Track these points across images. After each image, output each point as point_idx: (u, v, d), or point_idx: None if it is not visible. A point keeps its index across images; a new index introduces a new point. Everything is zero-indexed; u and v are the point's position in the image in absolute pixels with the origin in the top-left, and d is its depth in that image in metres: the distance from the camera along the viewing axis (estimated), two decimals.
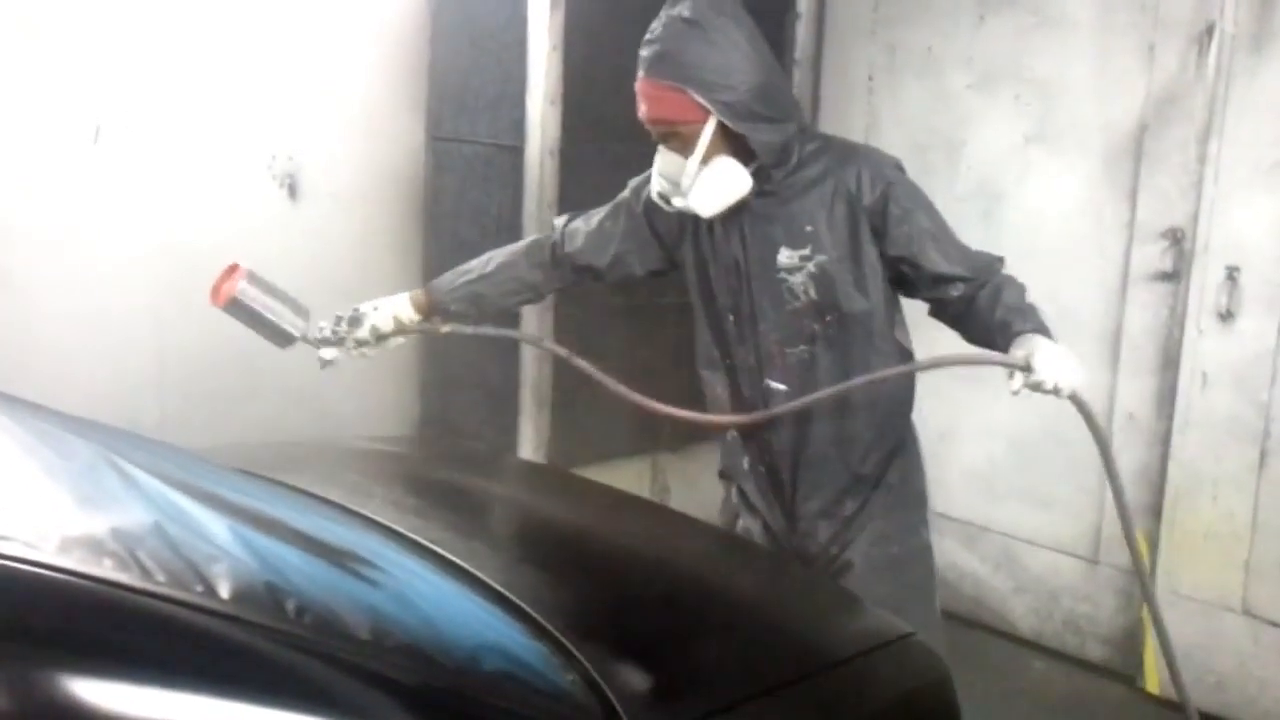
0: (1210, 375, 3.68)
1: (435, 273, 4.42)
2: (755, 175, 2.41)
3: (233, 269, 2.66)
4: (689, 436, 4.54)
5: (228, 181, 3.87)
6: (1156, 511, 3.86)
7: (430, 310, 2.76)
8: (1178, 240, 3.74)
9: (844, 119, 4.59)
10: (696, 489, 4.64)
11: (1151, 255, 3.81)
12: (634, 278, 2.74)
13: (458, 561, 1.88)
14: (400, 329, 2.74)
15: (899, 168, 2.50)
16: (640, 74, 2.41)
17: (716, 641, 1.91)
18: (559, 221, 2.79)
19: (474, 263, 2.81)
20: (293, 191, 4.02)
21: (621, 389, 2.63)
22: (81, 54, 3.50)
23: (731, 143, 2.38)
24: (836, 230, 2.43)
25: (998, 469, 4.25)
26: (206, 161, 3.81)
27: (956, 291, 2.44)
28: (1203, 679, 3.79)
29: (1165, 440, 3.81)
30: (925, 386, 2.75)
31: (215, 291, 2.65)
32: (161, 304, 3.77)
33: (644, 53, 2.39)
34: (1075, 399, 2.32)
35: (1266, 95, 3.52)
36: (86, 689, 1.25)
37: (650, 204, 2.58)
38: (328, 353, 2.71)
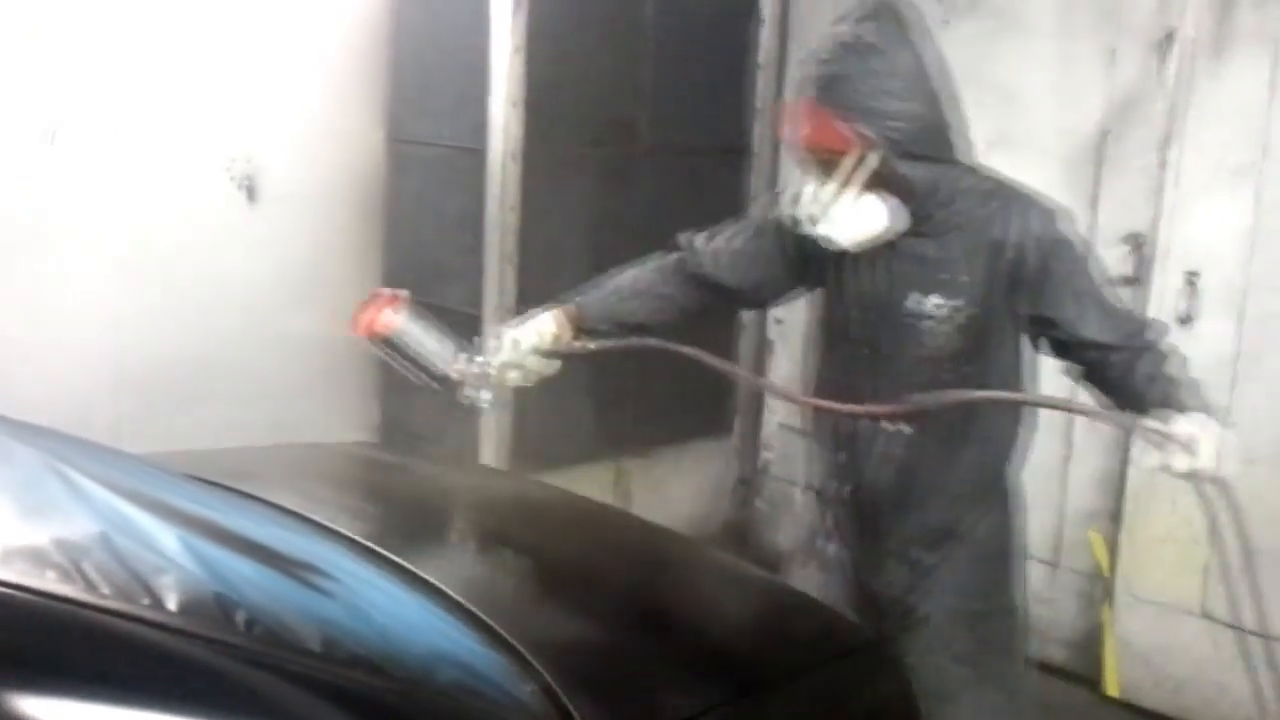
0: None
1: (394, 276, 4.39)
2: (912, 210, 2.28)
3: (382, 295, 2.39)
4: (652, 441, 4.53)
5: (185, 183, 3.83)
6: (1116, 516, 3.87)
7: (579, 327, 2.52)
8: (1138, 245, 3.76)
9: None
10: (660, 493, 4.62)
11: (1112, 260, 3.81)
12: (771, 301, 2.67)
13: (414, 570, 1.85)
14: (552, 345, 2.46)
15: (1060, 220, 2.35)
16: (805, 93, 2.26)
17: (678, 651, 1.89)
18: (698, 241, 2.58)
19: (609, 282, 2.61)
20: (251, 194, 3.97)
21: (769, 384, 2.51)
22: (38, 54, 3.45)
23: (886, 176, 2.23)
24: (978, 280, 2.30)
25: None
26: (164, 163, 3.76)
27: (1110, 358, 2.31)
28: (1161, 682, 3.81)
29: (1125, 445, 3.83)
30: None
31: (363, 322, 2.38)
32: (117, 307, 3.72)
33: (813, 73, 2.24)
34: (1223, 484, 2.14)
35: (1227, 101, 3.54)
36: (29, 706, 1.21)
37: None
38: (485, 394, 2.42)
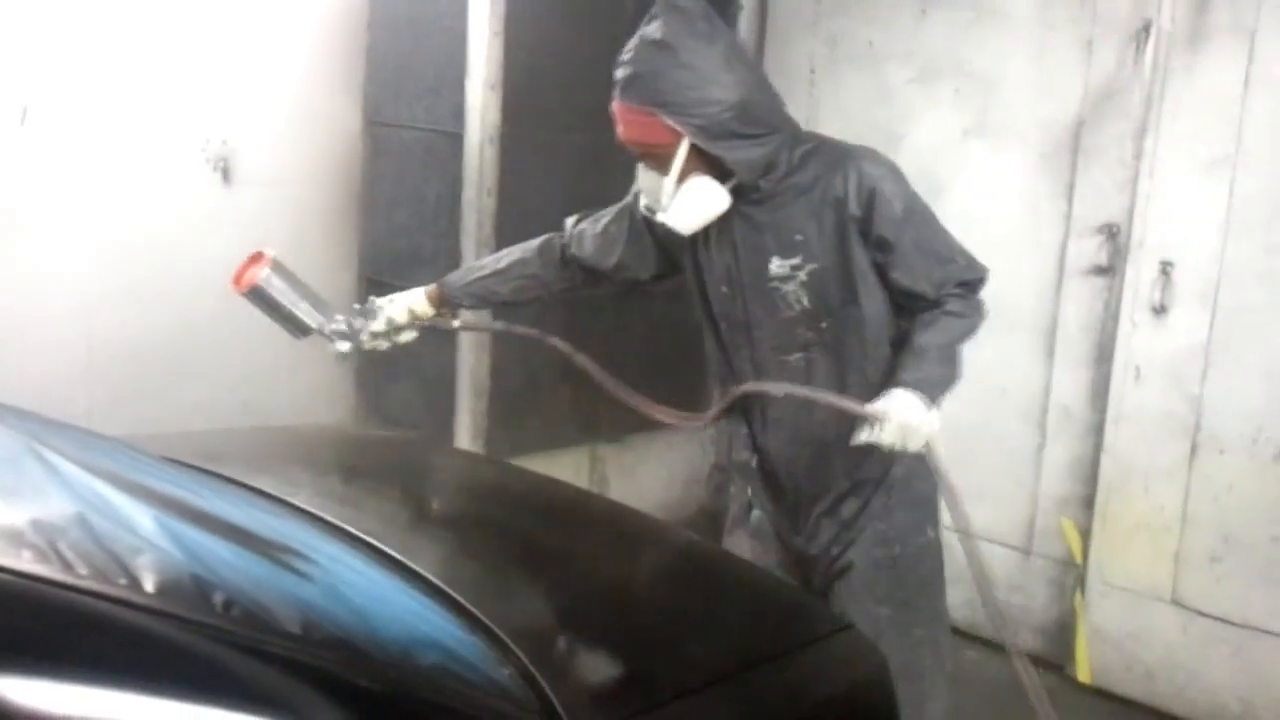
0: (1143, 369, 3.73)
1: (371, 258, 4.39)
2: (740, 187, 2.41)
3: (257, 256, 2.66)
4: (628, 426, 4.52)
5: (160, 165, 3.80)
6: (1089, 503, 3.90)
7: (442, 304, 2.78)
8: (1113, 235, 3.78)
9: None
10: (635, 479, 4.63)
11: (1087, 249, 3.85)
12: (640, 281, 2.74)
13: (392, 554, 1.85)
14: (413, 321, 2.77)
15: (892, 170, 2.46)
16: (615, 95, 2.38)
17: (654, 635, 1.89)
18: (569, 222, 2.77)
19: (487, 259, 2.85)
20: (226, 176, 3.95)
21: (615, 387, 2.69)
22: (8, 34, 3.41)
23: (709, 160, 2.36)
24: (826, 237, 2.42)
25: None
26: (138, 145, 3.74)
27: (916, 308, 2.47)
28: (1133, 669, 3.85)
29: (1098, 432, 3.86)
30: None
31: (237, 278, 2.66)
32: (91, 291, 3.70)
33: (617, 74, 2.37)
34: (928, 451, 2.34)
35: (1202, 92, 3.56)
36: (4, 686, 1.20)
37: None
38: (342, 345, 2.72)
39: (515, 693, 1.55)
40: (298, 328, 2.70)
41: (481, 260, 2.86)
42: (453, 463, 2.75)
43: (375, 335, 2.74)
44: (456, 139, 3.99)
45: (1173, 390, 3.68)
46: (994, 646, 4.07)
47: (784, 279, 2.46)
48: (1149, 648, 3.81)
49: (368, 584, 1.72)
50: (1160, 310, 3.67)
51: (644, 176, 2.46)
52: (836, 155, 2.44)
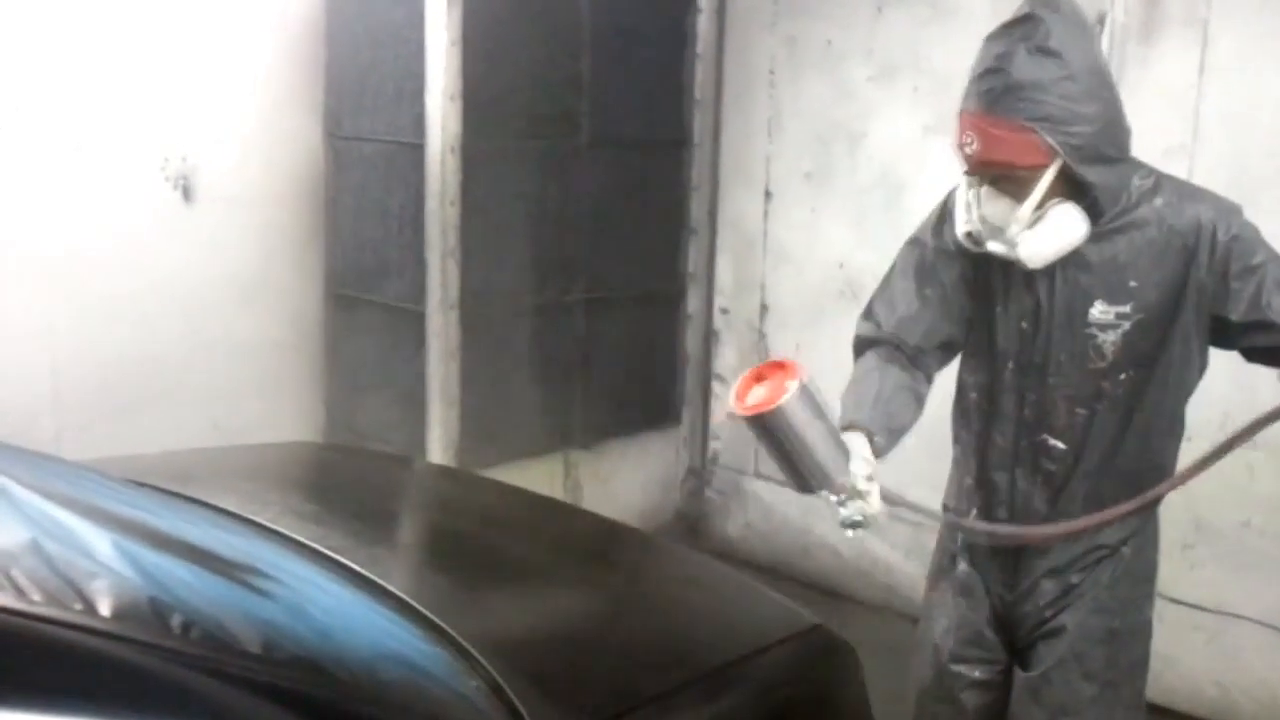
0: None
1: (337, 272, 4.36)
2: (1100, 217, 2.13)
3: (781, 366, 1.95)
4: (600, 433, 4.53)
5: (119, 184, 3.78)
6: None
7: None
8: None
9: (746, 112, 4.61)
10: (609, 486, 4.63)
11: None
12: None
13: (358, 569, 1.84)
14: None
15: (1240, 214, 2.19)
16: (974, 108, 2.09)
17: (623, 641, 1.89)
18: (882, 322, 2.33)
19: (867, 393, 2.23)
20: (187, 194, 3.93)
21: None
22: None
23: (1069, 184, 2.09)
24: (1163, 287, 2.14)
25: (906, 455, 4.27)
26: (96, 164, 3.71)
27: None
28: None
29: None
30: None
31: (750, 396, 1.94)
32: (53, 313, 3.67)
33: (984, 85, 2.08)
34: None
35: (1157, 83, 3.58)
36: None
37: (955, 245, 2.26)
38: (853, 514, 2.03)
39: (482, 705, 1.54)
40: (804, 480, 1.97)
41: (860, 394, 2.23)
42: (420, 477, 2.73)
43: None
44: (418, 150, 3.98)
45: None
46: None
47: (1104, 326, 2.17)
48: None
49: (333, 601, 1.71)
50: None
51: (990, 203, 2.14)
52: (1183, 193, 2.18)
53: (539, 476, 4.24)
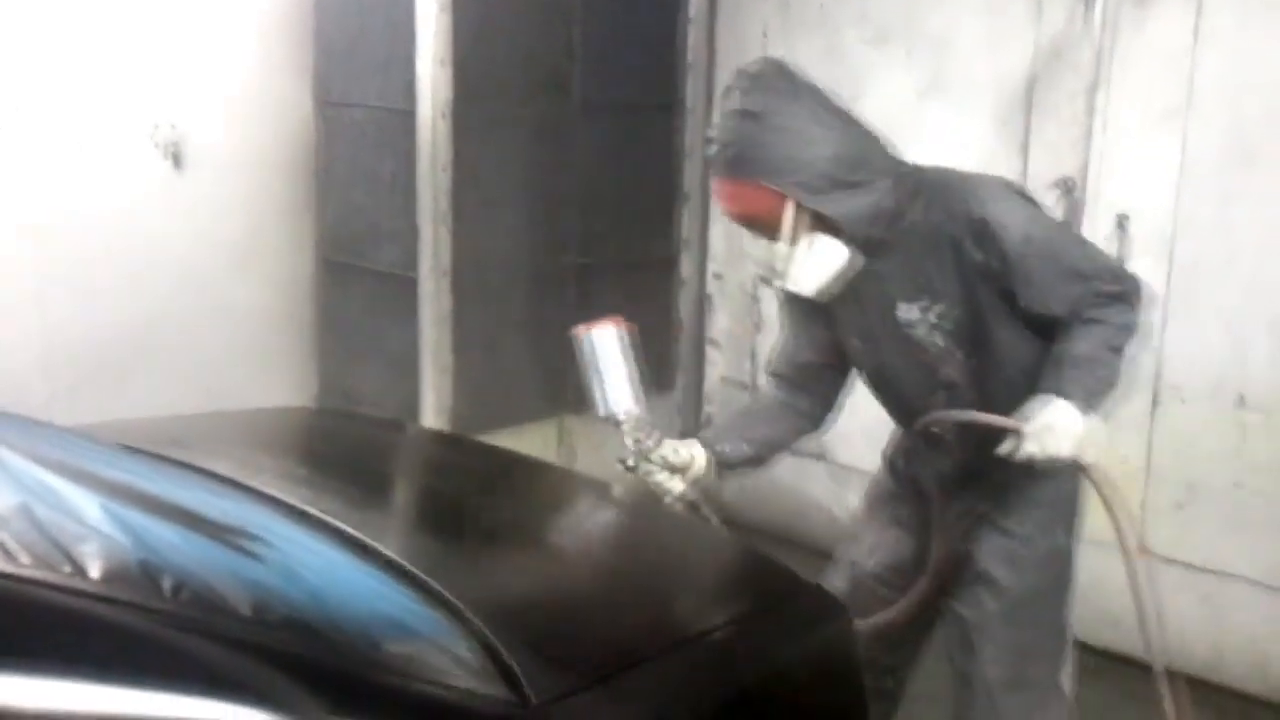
0: None
1: (329, 239, 4.35)
2: (866, 241, 2.32)
3: (618, 321, 2.50)
4: None
5: (109, 151, 3.76)
6: None
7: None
8: (1069, 190, 3.79)
9: None
10: (603, 451, 4.60)
11: (1044, 205, 3.85)
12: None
13: (351, 532, 1.84)
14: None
15: (1006, 195, 2.37)
16: (714, 173, 2.36)
17: (617, 601, 1.89)
18: (775, 372, 2.69)
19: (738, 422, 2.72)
20: (177, 161, 3.91)
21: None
22: None
23: (820, 219, 2.29)
24: (949, 276, 2.33)
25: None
26: (86, 130, 3.69)
27: (1056, 330, 2.33)
28: (1102, 617, 3.87)
29: None
30: None
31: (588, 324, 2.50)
32: (44, 280, 3.66)
33: (710, 152, 2.34)
34: (1086, 468, 2.29)
35: (1152, 47, 3.57)
36: None
37: None
38: (628, 457, 2.44)
39: (476, 665, 1.54)
40: (594, 401, 2.47)
41: (734, 422, 2.72)
42: (413, 441, 2.73)
43: (663, 463, 2.46)
44: (409, 116, 3.95)
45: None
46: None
47: (913, 323, 2.39)
48: (1118, 596, 3.82)
49: (324, 563, 1.71)
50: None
51: (753, 246, 2.40)
52: (946, 189, 2.35)
53: (533, 441, 4.24)
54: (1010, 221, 2.28)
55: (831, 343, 2.57)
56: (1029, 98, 3.85)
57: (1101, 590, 3.82)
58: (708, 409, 4.90)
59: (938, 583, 2.53)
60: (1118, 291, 2.31)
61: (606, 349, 2.43)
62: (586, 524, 2.26)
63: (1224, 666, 3.65)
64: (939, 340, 2.38)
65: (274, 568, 1.57)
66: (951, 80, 4.03)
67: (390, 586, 1.69)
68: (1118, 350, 2.28)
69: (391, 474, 2.59)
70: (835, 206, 2.27)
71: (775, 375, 2.68)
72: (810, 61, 4.36)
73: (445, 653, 1.54)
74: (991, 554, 2.48)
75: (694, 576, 2.06)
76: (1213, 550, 3.64)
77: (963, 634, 2.51)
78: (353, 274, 4.27)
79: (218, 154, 3.99)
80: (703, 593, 1.98)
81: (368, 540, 1.82)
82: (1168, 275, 3.61)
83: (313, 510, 1.91)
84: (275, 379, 4.24)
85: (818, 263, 2.32)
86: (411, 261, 4.03)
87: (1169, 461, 3.69)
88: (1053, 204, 3.82)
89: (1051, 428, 2.19)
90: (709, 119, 4.70)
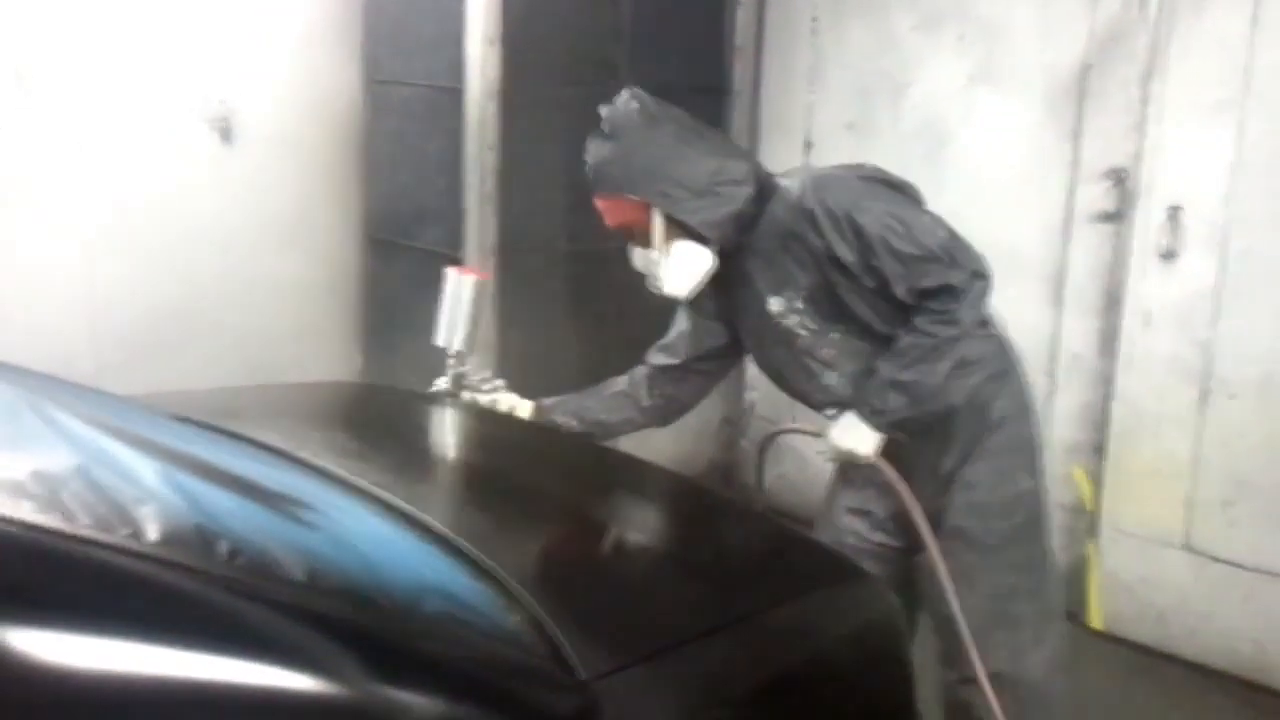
0: (1153, 315, 3.71)
1: (375, 217, 4.36)
2: (733, 245, 2.58)
3: (485, 275, 2.87)
4: None
5: (159, 126, 3.79)
6: (1100, 450, 3.89)
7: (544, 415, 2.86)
8: (1121, 180, 3.75)
9: (787, 61, 4.56)
10: (645, 433, 4.57)
11: (1095, 195, 3.82)
12: (728, 356, 2.88)
13: (400, 505, 1.84)
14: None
15: (843, 185, 2.55)
16: (592, 190, 2.61)
17: (663, 581, 1.89)
18: (662, 352, 2.87)
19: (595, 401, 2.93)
20: (226, 135, 3.93)
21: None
22: None
23: (682, 227, 2.54)
24: (803, 266, 2.55)
25: None
26: (136, 105, 3.72)
27: (908, 313, 2.52)
28: (1145, 613, 3.85)
29: (1108, 380, 3.84)
30: None
31: (461, 269, 2.84)
32: (94, 252, 3.69)
33: (587, 172, 2.60)
34: (876, 464, 2.56)
35: (1209, 35, 3.52)
36: (6, 636, 1.20)
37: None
38: (441, 382, 2.82)
39: (524, 639, 1.54)
40: (442, 333, 2.80)
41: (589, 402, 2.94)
42: (460, 416, 2.73)
43: (470, 388, 2.82)
44: (456, 95, 3.96)
45: (1182, 336, 3.66)
46: None
47: (783, 314, 2.61)
48: (1161, 593, 3.81)
49: (376, 534, 1.71)
50: (1169, 255, 3.64)
51: (634, 255, 2.63)
52: (794, 188, 2.55)
53: None
54: (836, 207, 2.47)
55: (714, 348, 2.81)
56: (1082, 85, 3.81)
57: (1151, 587, 3.80)
58: (750, 395, 4.89)
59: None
60: (941, 285, 2.44)
61: (463, 292, 2.73)
62: (636, 503, 2.26)
63: (1269, 666, 3.61)
64: (810, 323, 2.60)
65: (327, 537, 1.57)
66: (1002, 67, 4.00)
67: (440, 559, 1.69)
68: (930, 359, 2.46)
69: (441, 448, 2.60)
70: (694, 215, 2.51)
71: (652, 364, 2.86)
72: (859, 47, 4.36)
73: (494, 625, 1.55)
74: (958, 508, 2.63)
75: (742, 558, 2.05)
76: (1259, 548, 3.60)
77: (940, 585, 2.59)
78: (398, 252, 4.28)
79: (266, 130, 4.01)
80: (751, 575, 1.97)
81: (417, 513, 1.82)
82: (1220, 268, 3.56)
83: (363, 483, 1.91)
84: (320, 354, 4.27)
85: (683, 267, 2.57)
86: (457, 240, 4.03)
87: (1217, 457, 3.65)
88: (1104, 194, 3.79)
89: (847, 447, 2.55)
90: (756, 103, 4.69)
